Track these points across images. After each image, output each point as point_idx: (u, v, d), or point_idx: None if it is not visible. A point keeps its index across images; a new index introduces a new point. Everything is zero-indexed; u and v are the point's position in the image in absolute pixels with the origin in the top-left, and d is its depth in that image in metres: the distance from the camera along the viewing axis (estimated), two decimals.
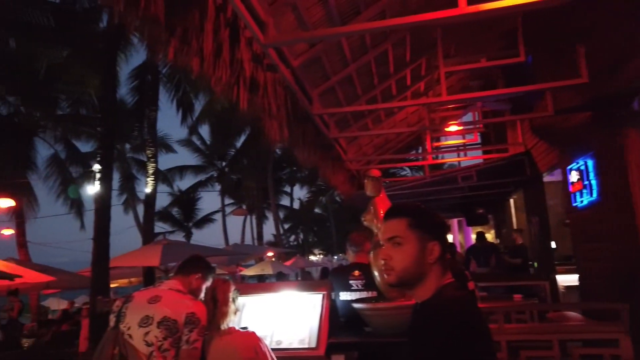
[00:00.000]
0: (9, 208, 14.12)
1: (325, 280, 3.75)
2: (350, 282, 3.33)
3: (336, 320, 3.14)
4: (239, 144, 28.65)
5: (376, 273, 2.87)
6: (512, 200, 10.56)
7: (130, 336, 2.57)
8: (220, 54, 3.16)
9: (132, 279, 16.87)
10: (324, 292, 3.11)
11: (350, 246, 3.44)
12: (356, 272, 3.37)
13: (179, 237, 28.68)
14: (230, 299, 2.77)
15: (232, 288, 2.84)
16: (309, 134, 5.72)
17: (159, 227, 26.54)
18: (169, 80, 18.49)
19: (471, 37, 6.18)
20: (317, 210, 41.03)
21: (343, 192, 9.62)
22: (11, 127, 14.50)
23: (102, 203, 9.90)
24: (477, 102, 7.41)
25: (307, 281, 6.99)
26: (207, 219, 32.52)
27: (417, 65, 7.14)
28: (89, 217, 18.70)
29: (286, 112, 4.54)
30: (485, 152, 9.61)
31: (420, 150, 11.50)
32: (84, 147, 20.02)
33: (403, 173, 25.62)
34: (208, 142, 29.60)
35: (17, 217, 15.85)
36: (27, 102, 15.08)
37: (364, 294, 3.24)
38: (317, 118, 5.48)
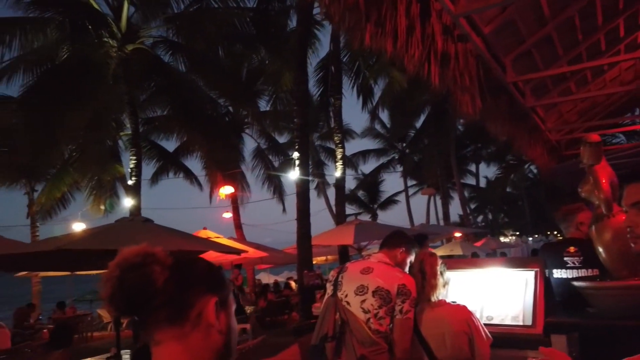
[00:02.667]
0: (230, 194, 16.61)
1: (537, 257, 3.52)
2: (565, 258, 3.06)
3: (551, 299, 2.94)
4: (418, 124, 28.46)
5: (600, 249, 2.59)
6: None
7: (348, 303, 2.81)
8: (413, 31, 3.19)
9: (329, 257, 18.27)
10: (537, 269, 2.94)
11: (563, 221, 3.17)
12: (572, 249, 3.09)
13: (365, 219, 29.95)
14: (439, 272, 2.81)
15: (439, 261, 2.87)
16: (502, 104, 5.36)
17: (347, 209, 28.12)
18: (349, 68, 19.29)
19: None
20: (507, 188, 38.32)
21: (541, 165, 8.79)
22: (224, 125, 16.93)
23: (302, 187, 10.96)
24: None
25: (517, 257, 6.63)
26: (391, 201, 33.20)
27: (633, 12, 6.07)
28: (290, 201, 20.85)
29: (478, 83, 4.34)
30: None
31: (638, 112, 9.80)
32: (279, 138, 22.33)
33: (615, 141, 22.19)
34: (388, 126, 30.07)
35: (233, 202, 18.51)
36: (235, 102, 17.40)
37: (582, 272, 2.96)
38: (511, 86, 5.10)
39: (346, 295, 2.84)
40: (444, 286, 2.82)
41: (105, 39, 12.51)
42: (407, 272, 2.89)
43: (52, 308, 14.80)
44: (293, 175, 11.74)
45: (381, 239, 3.23)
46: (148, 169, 22.89)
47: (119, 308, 0.94)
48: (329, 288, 3.04)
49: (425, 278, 2.81)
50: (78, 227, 15.15)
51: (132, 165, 12.88)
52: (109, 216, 17.53)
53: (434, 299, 2.77)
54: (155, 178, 19.26)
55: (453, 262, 3.40)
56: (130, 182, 13.12)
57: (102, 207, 16.68)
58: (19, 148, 15.52)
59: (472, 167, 35.57)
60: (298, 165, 11.06)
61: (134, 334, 9.92)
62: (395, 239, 3.04)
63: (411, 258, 3.00)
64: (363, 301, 2.73)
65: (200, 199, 23.01)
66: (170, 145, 19.80)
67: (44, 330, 10.03)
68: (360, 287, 2.80)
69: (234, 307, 1.08)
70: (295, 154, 11.36)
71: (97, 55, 12.39)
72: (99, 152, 14.18)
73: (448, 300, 2.83)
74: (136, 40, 12.96)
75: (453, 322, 2.64)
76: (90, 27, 11.98)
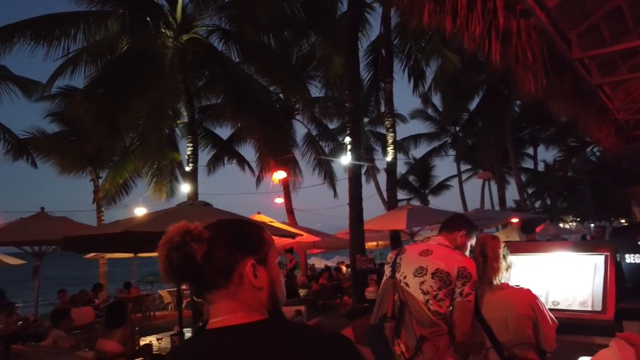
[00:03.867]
0: (283, 180, 16.87)
1: (608, 241, 3.36)
2: None
3: (623, 285, 2.81)
4: (472, 106, 27.57)
5: None
6: None
7: (406, 284, 2.81)
8: (473, 7, 3.08)
9: (380, 242, 18.23)
10: (607, 253, 2.81)
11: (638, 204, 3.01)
12: None
13: (416, 204, 29.55)
14: (501, 255, 2.75)
15: (502, 244, 2.80)
16: (566, 82, 5.09)
17: (398, 194, 27.81)
18: (400, 51, 18.92)
19: None
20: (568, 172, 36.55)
21: (607, 147, 8.31)
22: (276, 112, 17.13)
23: (354, 172, 10.95)
24: None
25: (585, 241, 6.35)
26: (443, 186, 32.55)
27: None
28: (341, 187, 20.91)
29: (542, 60, 4.15)
30: None
31: None
32: (329, 124, 22.34)
33: None
34: (440, 109, 29.35)
35: (285, 187, 18.79)
36: (286, 89, 17.54)
37: None
38: (576, 63, 4.84)
39: (405, 277, 2.84)
40: (506, 269, 2.76)
41: (162, 30, 12.92)
42: (470, 256, 2.85)
43: (119, 288, 15.71)
44: (345, 160, 11.75)
45: (434, 224, 3.21)
46: (202, 156, 23.62)
47: (173, 279, 1.12)
48: (387, 270, 3.05)
49: (486, 261, 2.76)
50: (140, 211, 15.91)
51: (189, 152, 13.32)
52: (169, 201, 18.31)
53: (496, 282, 2.72)
54: (210, 165, 19.84)
55: (517, 246, 3.31)
56: (187, 169, 13.59)
57: (162, 193, 17.40)
58: (85, 137, 16.46)
59: (530, 150, 34.19)
60: (350, 150, 11.04)
61: (194, 313, 10.38)
62: (455, 222, 3.01)
63: (472, 242, 2.96)
64: (422, 282, 2.73)
65: (252, 185, 23.52)
66: (224, 132, 20.33)
67: None
68: (419, 268, 2.79)
69: (277, 259, 1.22)
70: (347, 139, 11.34)
71: (154, 46, 12.84)
72: (157, 140, 14.75)
73: (511, 284, 2.77)
74: (191, 30, 13.29)
75: (517, 305, 2.58)
76: (148, 18, 12.40)
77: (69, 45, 12.67)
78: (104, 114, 11.76)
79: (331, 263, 20.64)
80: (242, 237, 1.16)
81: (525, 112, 26.15)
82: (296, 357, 1.00)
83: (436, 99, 28.28)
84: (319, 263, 21.81)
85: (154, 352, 5.78)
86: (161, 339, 6.27)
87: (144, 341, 6.20)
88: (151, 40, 12.80)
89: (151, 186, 17.60)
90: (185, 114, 15.58)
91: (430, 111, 29.50)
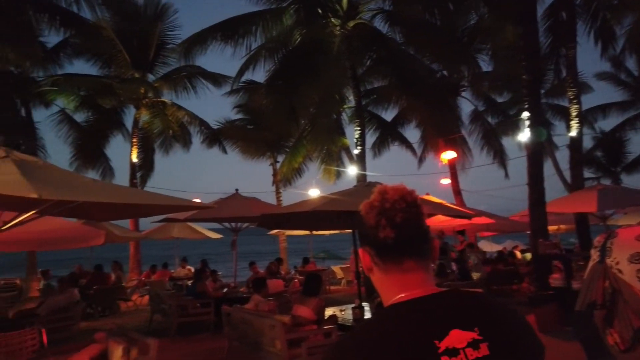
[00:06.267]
0: (451, 160, 16.45)
1: None
2: None
3: None
4: None
5: None
6: None
7: (619, 271, 2.56)
8: None
9: (562, 226, 16.60)
10: None
11: None
12: None
13: (605, 183, 25.98)
14: None
15: None
16: None
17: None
18: (583, 11, 16.68)
19: None
20: None
21: None
22: (442, 90, 16.65)
23: (534, 149, 10.12)
24: None
25: None
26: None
27: None
28: (513, 166, 19.49)
29: None
30: None
31: None
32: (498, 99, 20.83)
33: None
34: (635, 73, 25.11)
35: (452, 168, 18.27)
36: (451, 65, 16.90)
37: None
38: None
39: (617, 263, 2.59)
40: None
41: (331, 19, 13.53)
42: None
43: (297, 262, 17.21)
44: (522, 137, 10.92)
45: (631, 206, 2.82)
46: (367, 139, 24.20)
47: (403, 235, 1.10)
48: (595, 254, 2.81)
49: None
50: (314, 193, 17.09)
51: (356, 136, 13.82)
52: (337, 184, 19.32)
53: None
54: (375, 148, 20.25)
55: None
56: (355, 152, 14.13)
57: (331, 176, 18.42)
58: (264, 125, 18.24)
59: None
60: (529, 126, 10.21)
61: (367, 289, 10.85)
62: None
63: None
64: (639, 270, 2.47)
65: (413, 166, 23.32)
66: (387, 115, 20.45)
67: (295, 280, 11.76)
68: (635, 254, 2.52)
69: None
70: (525, 114, 10.50)
71: (323, 35, 13.54)
72: (327, 125, 15.60)
73: None
74: (356, 16, 13.66)
75: None
76: (319, 10, 13.11)
77: (250, 44, 14.15)
78: (283, 103, 12.86)
79: (503, 247, 19.46)
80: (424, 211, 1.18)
81: None
82: (512, 317, 1.08)
83: (630, 63, 24.26)
84: (489, 247, 20.76)
85: (339, 322, 6.25)
86: (344, 310, 6.75)
87: (327, 312, 6.73)
88: (321, 30, 13.52)
89: (321, 169, 18.79)
90: (351, 98, 16.16)
91: (623, 76, 25.47)
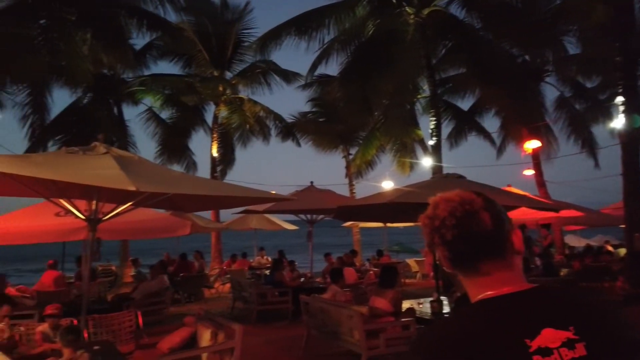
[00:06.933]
0: (535, 149, 15.55)
1: None
2: None
3: None
4: None
5: None
6: None
7: None
8: None
9: None
10: None
11: None
12: None
13: None
14: None
15: None
16: None
17: None
18: None
19: None
20: None
21: None
22: (523, 76, 15.74)
23: (630, 136, 9.33)
24: None
25: None
26: None
27: None
28: (604, 155, 18.06)
29: None
30: None
31: None
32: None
33: None
34: None
35: (535, 158, 17.26)
36: (533, 50, 15.93)
37: None
38: None
39: None
40: None
41: (404, 8, 13.28)
42: None
43: (370, 255, 17.18)
44: (616, 123, 10.10)
45: None
46: (443, 129, 23.52)
47: (458, 250, 1.09)
48: None
49: None
50: (387, 185, 16.96)
51: (432, 126, 13.49)
52: (411, 176, 19.02)
53: None
54: (451, 138, 19.64)
55: None
56: (430, 143, 13.80)
57: (405, 168, 18.17)
58: (337, 118, 18.32)
59: None
60: (623, 112, 9.42)
61: (444, 283, 10.60)
62: None
63: None
64: None
65: (490, 156, 22.33)
66: (463, 104, 19.71)
67: (370, 272, 11.77)
68: None
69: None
70: (619, 99, 9.70)
71: (397, 24, 13.32)
72: (400, 116, 15.37)
73: None
74: (431, 3, 13.28)
75: None
76: None
77: (323, 37, 14.26)
78: (356, 95, 12.84)
79: (594, 242, 18.13)
80: (501, 207, 1.14)
81: None
82: (611, 315, 1.04)
83: None
84: (576, 241, 19.45)
85: (417, 315, 6.18)
86: (421, 303, 6.67)
87: (404, 305, 6.68)
88: (394, 19, 13.31)
89: (395, 161, 18.58)
90: (425, 88, 15.78)
91: None
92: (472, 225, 1.08)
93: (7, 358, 4.21)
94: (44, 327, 5.48)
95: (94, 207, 5.12)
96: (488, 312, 1.04)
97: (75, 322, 5.38)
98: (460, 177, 6.78)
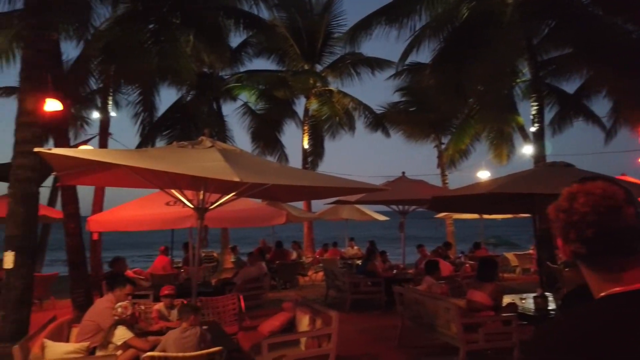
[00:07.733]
0: None
1: None
2: None
3: None
4: None
5: None
6: None
7: None
8: None
9: None
10: None
11: None
12: None
13: None
14: None
15: None
16: None
17: None
18: None
19: None
20: None
21: None
22: (635, 54, 14.18)
23: None
24: None
25: None
26: None
27: None
28: None
29: None
30: None
31: None
32: None
33: None
34: None
35: None
36: None
37: None
38: None
39: None
40: None
41: None
42: None
43: (464, 248, 16.60)
44: None
45: None
46: (545, 114, 21.94)
47: (597, 248, 1.01)
48: None
49: None
50: (483, 175, 16.25)
51: (533, 112, 12.68)
52: (509, 165, 18.03)
53: None
54: (554, 124, 18.26)
55: None
56: (532, 129, 12.98)
57: (503, 156, 17.26)
58: (428, 107, 17.84)
59: None
60: None
61: (548, 279, 9.98)
62: None
63: None
64: None
65: (597, 143, 20.38)
66: (568, 87, 18.16)
67: (466, 265, 11.41)
68: None
69: None
70: None
71: (493, 5, 12.62)
72: (497, 102, 14.58)
73: None
74: None
75: None
76: None
77: (415, 24, 13.92)
78: (449, 82, 12.41)
79: None
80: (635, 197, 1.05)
81: None
82: None
83: None
84: None
85: (519, 311, 5.89)
86: (524, 299, 6.33)
87: (504, 300, 6.39)
88: (490, 0, 12.63)
89: (491, 150, 17.72)
90: (525, 71, 14.81)
91: None
92: (615, 222, 1.01)
93: (130, 332, 4.68)
94: (159, 305, 6.03)
95: (201, 196, 5.50)
96: (617, 309, 0.98)
97: (185, 302, 5.85)
98: (569, 165, 6.29)
